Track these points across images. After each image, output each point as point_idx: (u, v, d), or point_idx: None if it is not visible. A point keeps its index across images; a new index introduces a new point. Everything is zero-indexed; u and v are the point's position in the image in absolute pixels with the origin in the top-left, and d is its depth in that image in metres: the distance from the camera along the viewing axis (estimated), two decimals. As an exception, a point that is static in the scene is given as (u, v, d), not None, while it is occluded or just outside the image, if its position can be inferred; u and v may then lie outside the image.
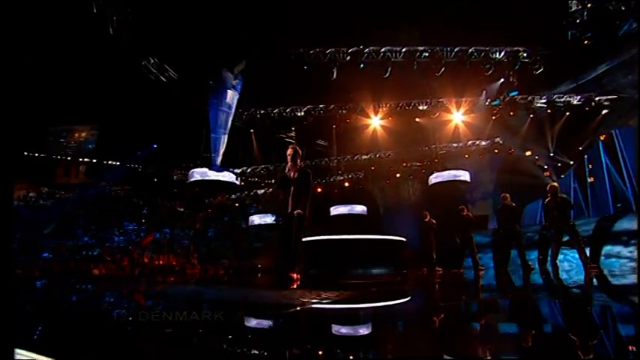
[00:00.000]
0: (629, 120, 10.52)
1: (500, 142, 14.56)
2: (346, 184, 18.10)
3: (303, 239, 12.88)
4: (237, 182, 11.82)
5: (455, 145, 14.98)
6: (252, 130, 13.56)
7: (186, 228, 15.84)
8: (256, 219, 13.54)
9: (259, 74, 11.61)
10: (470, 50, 10.15)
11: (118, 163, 16.11)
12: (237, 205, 17.09)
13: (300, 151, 4.19)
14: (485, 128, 12.90)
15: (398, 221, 16.41)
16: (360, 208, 15.95)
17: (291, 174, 4.11)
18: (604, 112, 11.34)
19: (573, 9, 8.32)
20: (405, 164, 16.84)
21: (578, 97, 11.53)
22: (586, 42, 8.90)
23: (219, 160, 11.95)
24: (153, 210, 15.31)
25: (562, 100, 11.68)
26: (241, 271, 12.84)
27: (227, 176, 10.95)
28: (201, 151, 12.49)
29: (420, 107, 12.92)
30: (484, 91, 11.41)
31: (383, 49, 10.52)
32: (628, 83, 10.87)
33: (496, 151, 14.70)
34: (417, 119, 13.17)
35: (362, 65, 10.79)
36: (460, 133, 13.23)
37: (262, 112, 13.20)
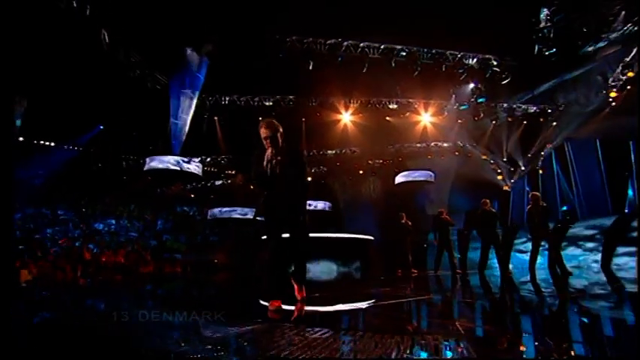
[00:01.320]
0: (577, 132, 11.64)
1: (461, 144, 15.36)
2: (309, 179, 17.99)
3: (263, 237, 12.56)
4: (200, 173, 11.15)
5: (418, 145, 15.54)
6: (216, 118, 12.84)
7: (135, 219, 14.66)
8: (217, 212, 12.95)
9: (228, 58, 10.99)
10: (446, 53, 10.46)
11: (53, 144, 14.36)
12: (192, 196, 16.18)
13: (281, 128, 2.89)
14: (451, 131, 13.50)
15: (357, 218, 16.73)
16: (322, 205, 16.01)
17: (274, 162, 2.83)
18: (554, 123, 12.41)
19: (542, 25, 8.88)
20: (369, 161, 17.13)
21: (535, 108, 12.49)
22: (550, 57, 9.56)
23: (179, 147, 11.17)
24: (95, 198, 13.91)
25: (520, 109, 12.57)
26: (199, 268, 12.20)
27: (189, 166, 10.27)
28: (159, 137, 11.59)
29: (391, 106, 13.15)
30: (454, 95, 11.89)
31: (362, 44, 10.47)
32: (576, 98, 12.00)
33: (457, 153, 15.48)
34: (388, 118, 13.38)
35: (340, 59, 10.61)
36: (428, 134, 13.71)
37: (228, 99, 12.54)
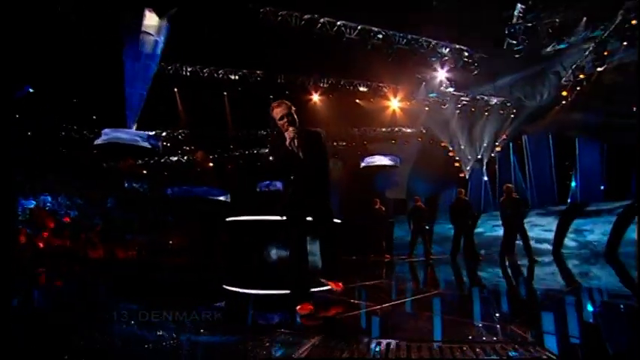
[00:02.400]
0: (532, 127, 12.71)
1: (424, 131, 16.01)
2: (271, 158, 17.71)
3: (228, 219, 12.31)
4: (160, 149, 10.48)
5: (384, 129, 15.94)
6: (175, 89, 12.03)
7: (77, 196, 13.48)
8: (175, 190, 12.34)
9: (193, 24, 10.25)
10: (421, 40, 10.70)
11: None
12: (144, 172, 15.20)
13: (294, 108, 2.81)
14: (418, 118, 14.00)
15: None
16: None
17: (296, 141, 2.70)
18: (512, 116, 13.40)
19: (515, 21, 9.41)
20: (334, 143, 17.24)
21: (495, 100, 13.35)
22: (517, 53, 10.20)
23: (134, 119, 10.35)
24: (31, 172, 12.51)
25: (483, 100, 13.36)
26: (156, 251, 11.65)
27: (147, 143, 9.59)
28: (109, 106, 10.63)
29: (361, 89, 13.25)
30: (424, 83, 12.27)
31: (339, 23, 10.32)
32: (531, 93, 13.01)
33: (419, 139, 16.14)
34: (358, 101, 13.51)
35: (314, 36, 10.40)
36: (396, 119, 14.09)
37: (190, 69, 11.77)
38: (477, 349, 1.65)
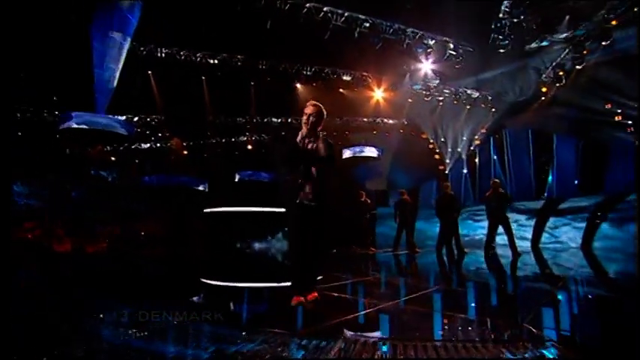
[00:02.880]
0: (513, 122, 13.09)
1: (405, 122, 16.17)
2: (249, 147, 17.37)
3: (206, 210, 12.10)
4: (132, 135, 10.01)
5: (365, 119, 15.98)
6: (150, 72, 11.46)
7: (38, 185, 12.72)
8: (152, 179, 11.89)
9: (170, 3, 9.75)
10: (407, 30, 10.69)
11: None
12: (113, 159, 14.52)
13: (324, 117, 3.04)
14: (401, 109, 14.10)
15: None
16: (266, 176, 15.75)
17: (308, 144, 3.00)
18: (493, 110, 13.76)
19: (501, 16, 9.56)
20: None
21: (477, 94, 13.64)
22: (501, 48, 10.41)
23: (106, 103, 9.80)
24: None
25: (465, 93, 13.61)
26: (128, 243, 11.21)
27: (124, 128, 9.12)
28: (75, 88, 10.00)
29: (345, 77, 13.15)
30: (408, 74, 12.33)
31: (325, 9, 10.12)
32: (512, 88, 13.37)
33: (401, 131, 16.29)
34: (341, 90, 13.42)
35: (300, 21, 10.15)
36: (379, 110, 14.15)
37: (165, 51, 11.22)
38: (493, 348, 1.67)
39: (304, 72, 12.81)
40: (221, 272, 6.08)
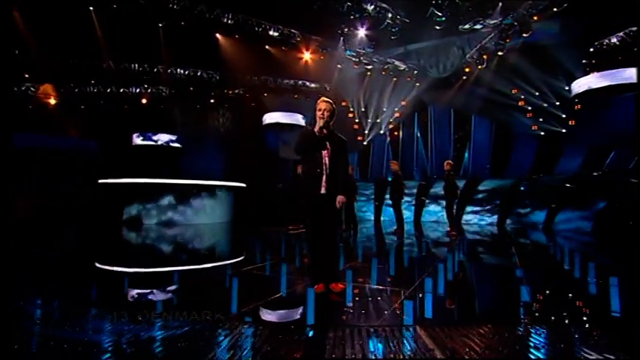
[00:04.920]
0: (436, 99, 14.49)
1: (328, 88, 16.47)
2: (144, 101, 15.60)
3: (101, 181, 10.94)
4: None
5: (286, 81, 15.77)
6: None
7: None
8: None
9: None
10: (348, -7, 10.73)
11: None
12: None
13: (335, 112, 3.46)
14: (330, 74, 14.28)
15: (203, 157, 16.16)
16: (167, 138, 14.63)
17: (323, 137, 3.37)
18: (417, 84, 14.97)
19: (442, -7, 10.30)
20: (225, 90, 16.20)
21: (404, 66, 14.61)
22: (437, 24, 11.30)
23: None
24: None
25: (393, 64, 14.45)
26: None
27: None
28: None
29: (271, 33, 12.64)
30: (342, 38, 12.49)
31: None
32: (435, 63, 14.68)
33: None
34: (267, 47, 12.90)
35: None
36: (305, 72, 14.09)
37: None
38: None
39: (225, 20, 11.86)
40: (119, 256, 5.78)
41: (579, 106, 11.95)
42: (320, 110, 3.36)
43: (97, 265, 4.94)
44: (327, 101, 3.41)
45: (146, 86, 15.39)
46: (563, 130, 12.54)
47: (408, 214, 11.59)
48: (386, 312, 2.87)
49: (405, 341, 2.24)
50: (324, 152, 3.34)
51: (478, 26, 11.32)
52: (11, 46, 8.63)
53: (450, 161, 8.47)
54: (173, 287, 3.76)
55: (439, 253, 6.10)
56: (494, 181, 11.65)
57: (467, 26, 11.52)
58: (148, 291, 3.63)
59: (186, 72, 14.69)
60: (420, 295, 3.19)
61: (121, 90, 14.98)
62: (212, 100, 16.86)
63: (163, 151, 14.22)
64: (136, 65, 13.87)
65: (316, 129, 3.35)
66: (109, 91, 14.77)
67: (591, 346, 2.22)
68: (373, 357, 2.04)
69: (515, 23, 11.04)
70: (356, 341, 2.22)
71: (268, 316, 2.83)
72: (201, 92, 16.15)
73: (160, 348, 2.19)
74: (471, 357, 2.02)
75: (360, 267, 4.66)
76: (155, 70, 14.04)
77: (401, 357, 2.04)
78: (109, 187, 10.54)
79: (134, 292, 3.59)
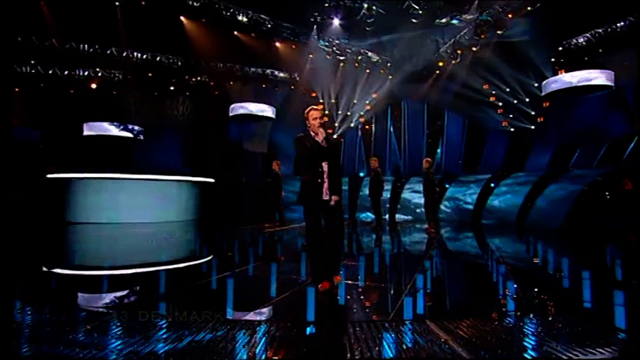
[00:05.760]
0: (409, 93, 14.79)
1: (297, 78, 16.29)
2: (93, 86, 14.69)
3: (49, 176, 10.40)
4: None
5: (253, 69, 15.47)
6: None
7: None
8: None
9: None
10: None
11: None
12: None
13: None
14: (302, 63, 14.17)
15: (162, 148, 15.60)
16: (119, 128, 13.91)
17: (324, 145, 3.61)
18: (390, 77, 15.19)
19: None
20: (187, 77, 15.60)
21: (377, 58, 14.78)
22: (414, 16, 11.53)
23: None
24: None
25: (366, 55, 14.57)
26: None
27: None
28: None
29: (240, 18, 12.34)
30: (315, 27, 12.43)
31: None
32: (408, 56, 14.95)
33: (292, 87, 16.37)
34: (236, 32, 12.59)
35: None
36: (274, 60, 13.91)
37: None
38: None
39: (190, 1, 11.42)
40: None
41: (547, 103, 12.66)
42: (316, 119, 3.56)
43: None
44: (318, 109, 3.65)
45: (97, 70, 14.53)
46: (532, 127, 13.26)
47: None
48: (392, 308, 3.14)
49: (418, 334, 2.50)
50: (325, 156, 3.59)
51: (455, 21, 11.67)
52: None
53: (429, 159, 8.74)
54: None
55: (423, 250, 6.34)
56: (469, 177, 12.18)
57: (443, 20, 11.84)
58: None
59: (144, 56, 14.04)
60: (419, 291, 3.41)
61: (66, 72, 14.03)
62: (172, 88, 16.20)
63: (115, 142, 13.51)
64: (86, 45, 13.03)
65: (319, 139, 3.57)
66: (50, 72, 13.76)
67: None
68: (395, 348, 2.29)
69: (491, 19, 11.44)
70: (375, 334, 2.48)
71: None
72: (161, 78, 15.47)
73: None
74: (479, 344, 2.32)
75: (352, 266, 4.82)
76: (108, 51, 13.25)
77: (419, 346, 2.30)
78: (53, 183, 9.94)
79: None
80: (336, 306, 3.24)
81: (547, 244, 6.38)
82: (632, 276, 4.16)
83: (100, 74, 14.80)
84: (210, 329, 2.53)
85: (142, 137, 14.18)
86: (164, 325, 2.62)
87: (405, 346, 2.30)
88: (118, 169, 10.66)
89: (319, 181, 3.56)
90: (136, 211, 10.25)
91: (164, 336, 2.44)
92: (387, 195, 11.40)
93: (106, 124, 13.35)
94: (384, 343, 2.33)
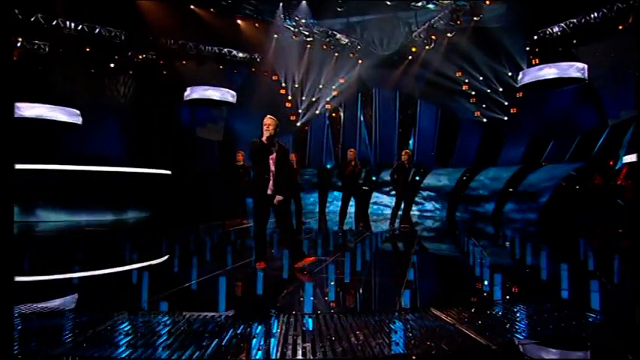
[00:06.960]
0: (379, 80, 14.71)
1: (259, 59, 15.70)
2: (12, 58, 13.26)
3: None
4: None
5: (209, 48, 14.72)
6: None
7: None
8: None
9: None
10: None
11: None
12: None
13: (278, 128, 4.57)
14: (265, 44, 13.69)
15: (97, 136, 14.49)
16: (65, 114, 12.64)
17: (270, 146, 4.40)
18: (359, 61, 15.03)
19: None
20: (136, 55, 14.52)
21: (347, 40, 14.55)
22: (387, 1, 11.39)
23: None
24: None
25: (335, 37, 14.29)
26: None
27: None
28: None
29: None
30: (282, 5, 12.01)
31: None
32: (379, 39, 14.85)
33: (253, 69, 15.79)
34: (192, 6, 11.93)
35: None
36: (233, 39, 13.32)
37: None
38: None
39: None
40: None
41: (521, 93, 13.06)
42: (266, 125, 4.39)
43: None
44: (272, 118, 4.46)
45: (20, 39, 13.09)
46: (505, 118, 13.68)
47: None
48: (394, 301, 3.45)
49: (427, 321, 2.75)
50: (271, 160, 4.41)
51: (431, 6, 11.67)
52: None
53: (407, 151, 8.70)
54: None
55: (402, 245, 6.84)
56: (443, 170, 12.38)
57: (419, 3, 11.80)
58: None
59: (80, 27, 12.88)
60: (414, 284, 3.75)
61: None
62: (112, 65, 15.03)
63: (40, 126, 12.24)
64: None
65: (264, 139, 4.37)
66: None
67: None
68: (410, 334, 2.52)
69: (467, 5, 11.53)
70: (390, 322, 2.75)
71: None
72: (99, 54, 14.29)
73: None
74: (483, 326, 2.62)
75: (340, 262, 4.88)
76: (33, 18, 11.97)
77: (430, 329, 2.53)
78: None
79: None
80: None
81: (524, 240, 6.57)
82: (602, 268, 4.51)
83: (19, 44, 13.37)
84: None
85: (78, 121, 12.98)
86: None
87: (414, 332, 2.54)
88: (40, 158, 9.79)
89: (265, 177, 4.40)
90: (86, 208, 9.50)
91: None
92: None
93: (24, 105, 12.00)
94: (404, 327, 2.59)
